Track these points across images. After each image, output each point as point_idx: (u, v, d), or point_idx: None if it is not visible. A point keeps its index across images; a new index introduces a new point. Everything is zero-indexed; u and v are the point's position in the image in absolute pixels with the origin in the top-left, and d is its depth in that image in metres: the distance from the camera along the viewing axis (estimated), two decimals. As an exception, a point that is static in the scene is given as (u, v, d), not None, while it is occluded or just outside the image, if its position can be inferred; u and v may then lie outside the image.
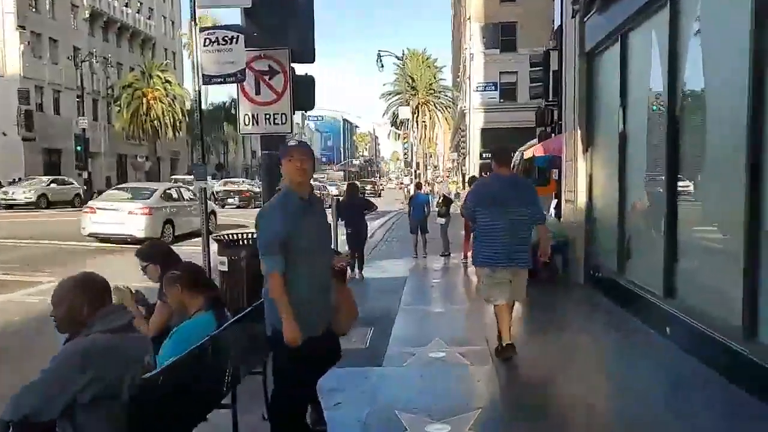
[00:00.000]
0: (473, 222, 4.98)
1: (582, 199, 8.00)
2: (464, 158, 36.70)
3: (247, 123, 6.18)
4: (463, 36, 37.05)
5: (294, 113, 6.92)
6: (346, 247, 9.24)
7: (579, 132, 7.98)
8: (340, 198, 9.26)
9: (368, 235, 9.43)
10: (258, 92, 6.14)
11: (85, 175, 37.54)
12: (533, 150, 11.33)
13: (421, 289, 8.09)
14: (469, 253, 10.24)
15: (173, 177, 32.91)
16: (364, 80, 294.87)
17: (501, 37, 33.45)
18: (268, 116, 6.14)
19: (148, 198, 13.27)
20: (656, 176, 5.73)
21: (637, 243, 6.37)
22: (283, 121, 6.13)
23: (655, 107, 5.77)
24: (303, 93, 6.51)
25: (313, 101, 6.66)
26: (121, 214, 12.69)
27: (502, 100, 33.33)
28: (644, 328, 5.53)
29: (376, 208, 9.39)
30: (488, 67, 33.38)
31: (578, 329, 6.09)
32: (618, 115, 6.59)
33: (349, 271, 9.41)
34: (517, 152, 22.05)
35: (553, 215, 9.09)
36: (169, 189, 14.68)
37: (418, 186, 13.99)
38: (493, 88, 33.57)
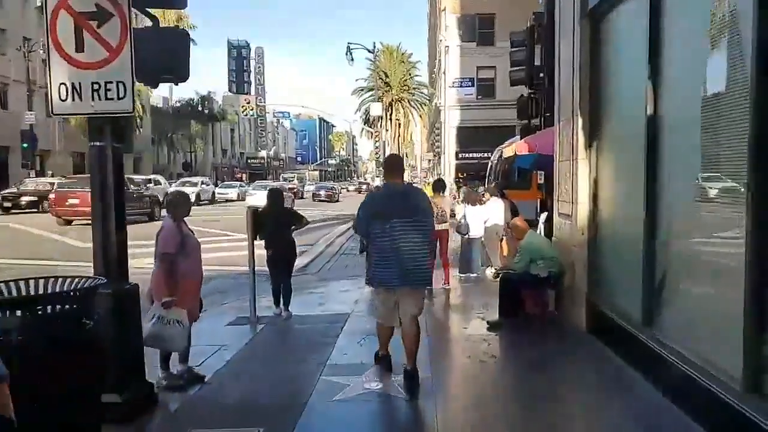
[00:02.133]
0: (367, 238, 4.57)
1: (583, 212, 5.82)
2: (439, 158, 34.59)
3: (64, 97, 3.84)
4: (438, 28, 34.96)
5: (155, 85, 4.64)
6: (267, 279, 6.92)
7: (579, 120, 5.79)
8: (259, 209, 6.87)
9: (296, 259, 7.08)
10: (80, 48, 3.81)
11: (33, 174, 34.76)
12: (515, 147, 9.18)
13: (362, 339, 5.78)
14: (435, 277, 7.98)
15: (126, 177, 30.06)
16: (337, 76, 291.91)
17: (478, 29, 31.55)
18: (96, 86, 3.82)
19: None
20: (724, 180, 3.55)
21: (682, 285, 4.17)
22: (121, 94, 3.81)
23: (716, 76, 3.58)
24: (168, 54, 4.21)
25: (187, 68, 4.36)
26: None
27: (479, 97, 31.40)
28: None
29: (308, 222, 7.06)
30: (465, 62, 31.39)
31: (586, 424, 3.88)
32: (645, 92, 4.40)
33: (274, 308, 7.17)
34: (495, 151, 20.02)
35: (541, 232, 6.88)
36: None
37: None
38: (469, 83, 31.62)
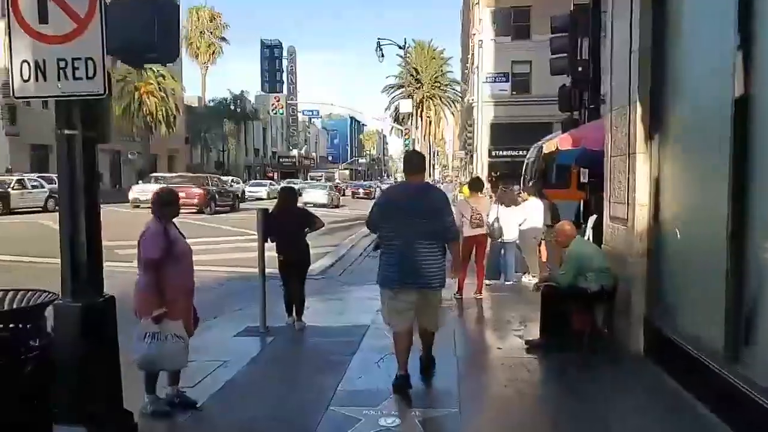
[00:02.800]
0: (378, 235, 4.56)
1: (643, 216, 4.98)
2: (471, 156, 33.60)
3: (26, 77, 3.25)
4: (472, 22, 33.97)
5: (139, 65, 3.92)
6: (280, 284, 6.27)
7: (638, 108, 4.95)
8: (270, 209, 6.22)
9: (309, 265, 6.37)
10: (44, 18, 3.21)
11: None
12: (557, 141, 8.29)
13: (380, 358, 5.04)
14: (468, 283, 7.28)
15: (153, 175, 30.20)
16: (365, 73, 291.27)
17: (513, 23, 30.42)
18: (62, 64, 3.21)
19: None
20: None
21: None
22: (90, 72, 3.19)
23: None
24: (152, 29, 3.57)
25: (176, 46, 3.72)
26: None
27: (513, 93, 30.26)
28: None
29: (323, 225, 6.33)
30: (499, 56, 30.29)
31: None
32: (732, 67, 3.55)
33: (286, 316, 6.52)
34: (531, 148, 18.99)
35: (589, 238, 6.01)
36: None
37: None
38: (504, 79, 30.46)
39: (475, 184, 8.09)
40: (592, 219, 6.63)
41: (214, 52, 56.59)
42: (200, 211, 22.76)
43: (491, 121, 30.42)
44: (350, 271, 10.58)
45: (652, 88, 4.84)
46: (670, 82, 4.69)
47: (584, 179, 9.55)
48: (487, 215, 7.50)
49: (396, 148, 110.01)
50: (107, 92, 3.21)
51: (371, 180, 73.38)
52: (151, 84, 38.93)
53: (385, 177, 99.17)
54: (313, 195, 30.19)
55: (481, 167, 29.65)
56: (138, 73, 39.00)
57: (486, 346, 5.53)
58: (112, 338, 3.45)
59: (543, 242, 9.05)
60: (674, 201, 4.68)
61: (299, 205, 7.19)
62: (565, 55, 10.45)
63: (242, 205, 29.25)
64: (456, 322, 6.27)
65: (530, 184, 9.75)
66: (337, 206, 31.23)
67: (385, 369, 4.69)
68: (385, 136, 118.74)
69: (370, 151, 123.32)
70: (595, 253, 5.23)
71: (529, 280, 8.72)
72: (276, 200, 6.40)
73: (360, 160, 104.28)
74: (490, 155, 30.14)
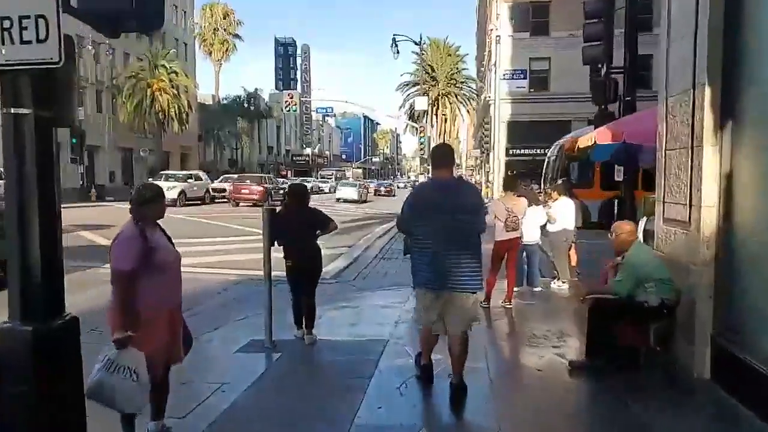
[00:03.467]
0: (410, 236, 4.22)
1: (710, 219, 4.22)
2: (487, 155, 32.76)
3: (-35, 41, 2.60)
4: (489, 18, 33.12)
5: (114, 34, 3.31)
6: (289, 293, 5.58)
7: (707, 92, 4.19)
8: (278, 209, 5.53)
9: (322, 268, 5.66)
10: (-15, -34, 2.57)
11: (81, 168, 35.01)
12: (594, 136, 7.49)
13: (402, 383, 4.35)
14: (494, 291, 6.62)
15: (162, 172, 29.79)
16: (380, 71, 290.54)
17: (531, 18, 29.60)
18: (7, 23, 2.55)
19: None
20: None
21: None
22: (41, 34, 2.52)
23: None
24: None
25: (160, 12, 3.05)
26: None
27: (531, 90, 29.44)
28: None
29: (336, 226, 5.63)
30: (517, 53, 29.49)
31: None
32: None
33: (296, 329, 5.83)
34: (553, 146, 18.20)
35: (640, 239, 5.21)
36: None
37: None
38: (521, 75, 29.68)
39: (510, 183, 7.19)
40: (643, 221, 5.85)
41: (227, 50, 56.30)
42: (258, 205, 24.92)
43: (508, 119, 29.64)
44: (365, 275, 9.88)
45: (724, 66, 4.09)
46: (751, 60, 3.93)
47: (619, 177, 8.78)
48: (523, 218, 6.75)
49: (410, 147, 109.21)
50: (63, 59, 2.55)
51: (385, 179, 73.01)
52: (164, 81, 38.61)
53: (399, 176, 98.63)
54: (345, 192, 34.80)
55: (497, 166, 28.88)
56: (150, 69, 38.76)
57: (523, 368, 4.79)
58: (73, 369, 2.77)
59: (574, 245, 8.31)
60: (753, 202, 3.91)
61: (316, 205, 6.49)
62: (600, 42, 9.64)
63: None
64: (486, 337, 5.55)
65: (559, 182, 8.97)
66: (365, 201, 34.81)
67: (408, 396, 4.02)
68: (398, 135, 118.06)
69: (383, 149, 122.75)
70: (653, 260, 4.46)
71: (559, 286, 7.99)
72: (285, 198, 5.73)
73: (374, 159, 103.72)
74: (507, 153, 29.38)
